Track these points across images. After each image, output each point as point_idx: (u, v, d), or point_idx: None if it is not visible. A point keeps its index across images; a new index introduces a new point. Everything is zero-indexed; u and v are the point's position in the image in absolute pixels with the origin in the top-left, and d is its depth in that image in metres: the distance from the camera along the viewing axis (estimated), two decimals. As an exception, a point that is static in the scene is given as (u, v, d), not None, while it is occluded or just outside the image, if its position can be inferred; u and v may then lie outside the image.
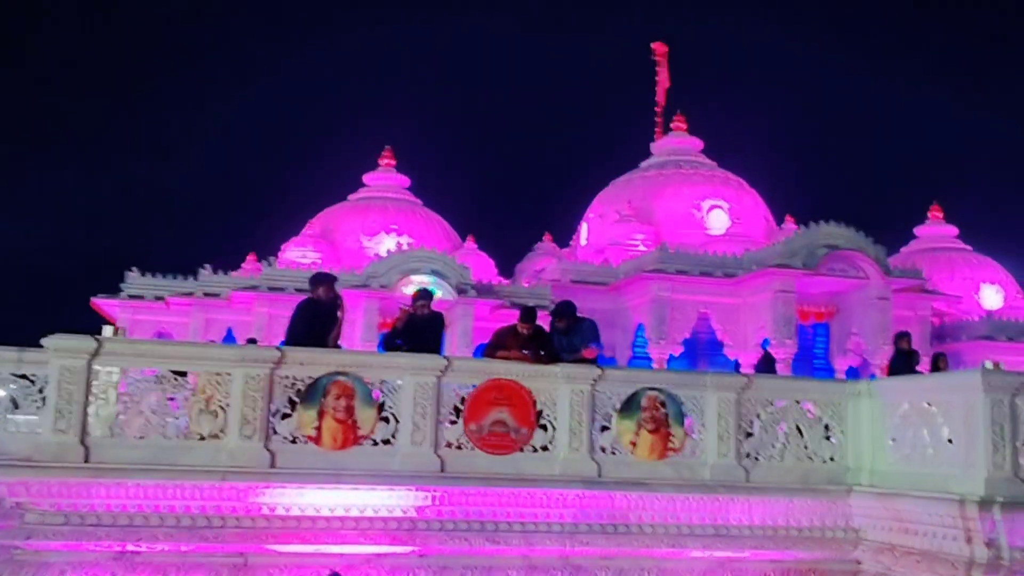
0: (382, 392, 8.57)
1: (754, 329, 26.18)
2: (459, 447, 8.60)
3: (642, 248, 29.74)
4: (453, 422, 8.65)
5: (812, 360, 26.61)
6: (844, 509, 9.03)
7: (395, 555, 8.24)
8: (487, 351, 9.13)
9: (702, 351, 27.05)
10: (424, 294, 9.44)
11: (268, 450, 8.19)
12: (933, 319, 27.26)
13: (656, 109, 36.59)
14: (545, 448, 8.77)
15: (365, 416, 8.50)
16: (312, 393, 8.43)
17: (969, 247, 31.75)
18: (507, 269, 33.66)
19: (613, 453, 8.90)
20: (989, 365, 8.27)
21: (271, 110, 56.96)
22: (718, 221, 31.81)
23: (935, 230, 32.48)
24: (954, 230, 32.28)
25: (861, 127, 54.40)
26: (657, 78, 36.78)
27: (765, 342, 25.08)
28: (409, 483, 8.31)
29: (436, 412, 8.59)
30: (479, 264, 31.08)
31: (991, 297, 29.92)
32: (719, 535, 8.80)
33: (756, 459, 9.13)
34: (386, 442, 8.50)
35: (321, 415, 8.42)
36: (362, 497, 8.21)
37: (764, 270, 25.72)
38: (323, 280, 9.15)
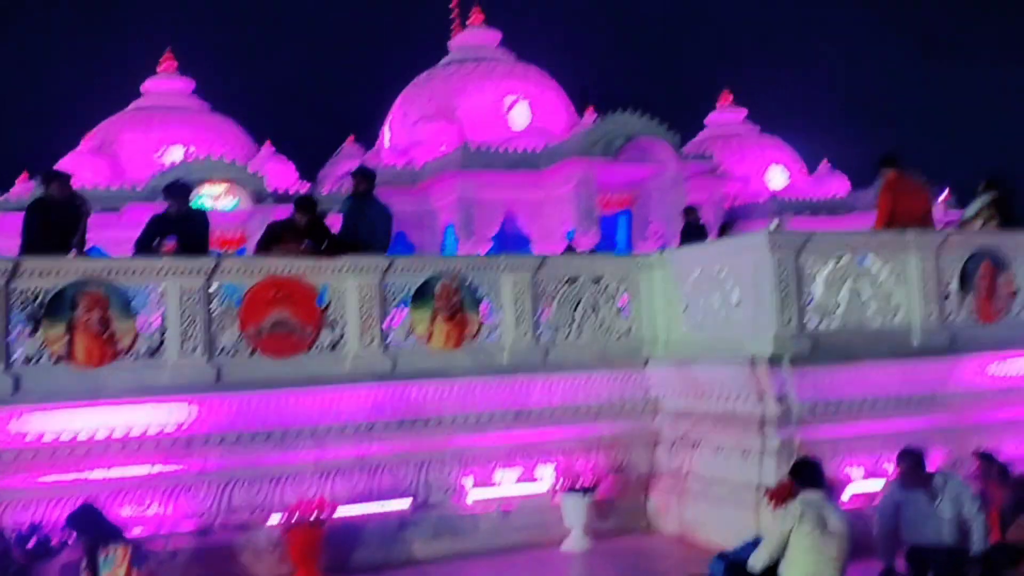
0: (142, 300, 7.65)
1: (559, 221, 26.36)
2: (237, 353, 7.86)
3: (446, 147, 29.13)
4: (228, 327, 7.87)
5: (614, 249, 27.15)
6: (642, 381, 9.01)
7: (171, 474, 7.49)
8: (259, 247, 8.33)
9: (510, 247, 26.98)
10: (173, 189, 8.33)
11: (9, 374, 7.16)
12: (725, 202, 28.38)
13: (452, 3, 35.51)
14: (334, 346, 8.18)
15: (124, 327, 7.58)
16: (58, 306, 7.41)
17: (757, 127, 33.08)
18: (311, 174, 32.21)
19: (407, 345, 8.43)
20: (774, 226, 8.30)
21: (39, 14, 51.31)
22: (520, 116, 31.51)
23: (726, 115, 33.59)
24: (743, 112, 33.50)
25: (654, 13, 55.06)
26: (451, -31, 35.61)
27: (570, 234, 25.30)
28: (181, 396, 7.52)
29: (207, 317, 7.77)
30: (279, 171, 29.49)
31: (778, 177, 31.42)
32: (520, 418, 8.58)
33: (554, 339, 8.91)
34: (152, 354, 7.64)
35: (72, 330, 7.44)
36: (127, 415, 7.36)
37: (565, 161, 25.79)
38: (55, 176, 7.94)
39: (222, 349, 7.81)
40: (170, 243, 7.74)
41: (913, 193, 8.75)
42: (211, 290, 7.79)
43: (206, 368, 7.68)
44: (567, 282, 9.06)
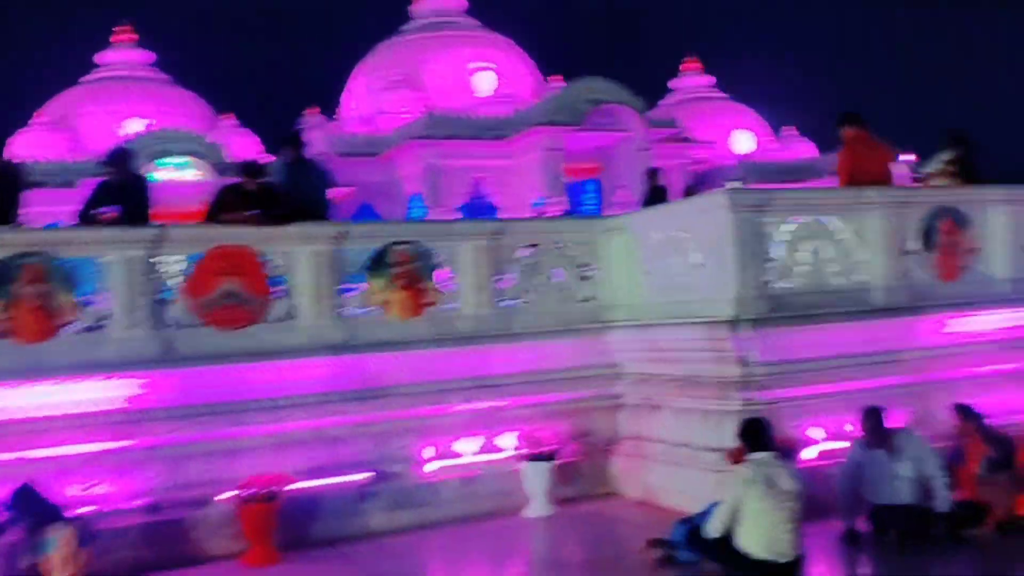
0: (85, 272, 7.39)
1: (527, 189, 26.16)
2: (185, 325, 7.63)
3: (410, 115, 28.75)
4: (176, 299, 7.63)
5: (583, 216, 26.99)
6: (604, 346, 8.87)
7: (120, 451, 7.27)
8: (208, 215, 8.06)
9: (478, 216, 26.80)
10: (113, 157, 8.00)
11: (-55, 352, 6.91)
12: (693, 167, 28.29)
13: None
14: (287, 317, 7.96)
15: (66, 301, 7.32)
16: (-3, 280, 7.15)
17: (725, 95, 32.95)
18: (275, 146, 31.65)
19: (364, 315, 8.23)
20: (734, 185, 8.16)
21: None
22: (486, 83, 31.17)
23: (692, 81, 33.45)
24: (711, 79, 33.36)
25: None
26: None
27: (538, 202, 25.12)
28: (128, 370, 7.29)
29: (153, 289, 7.53)
30: (241, 142, 29.10)
31: (744, 142, 31.37)
32: (481, 386, 8.42)
33: (514, 305, 8.75)
34: (96, 328, 7.40)
35: (13, 304, 7.17)
36: (72, 391, 7.12)
37: (532, 129, 25.59)
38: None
39: (171, 321, 7.59)
40: (110, 212, 7.48)
41: (873, 151, 8.62)
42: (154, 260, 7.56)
43: (153, 341, 7.45)
44: (528, 248, 8.90)
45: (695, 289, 8.19)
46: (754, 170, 27.96)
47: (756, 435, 5.91)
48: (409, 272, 8.43)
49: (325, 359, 7.90)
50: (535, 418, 8.53)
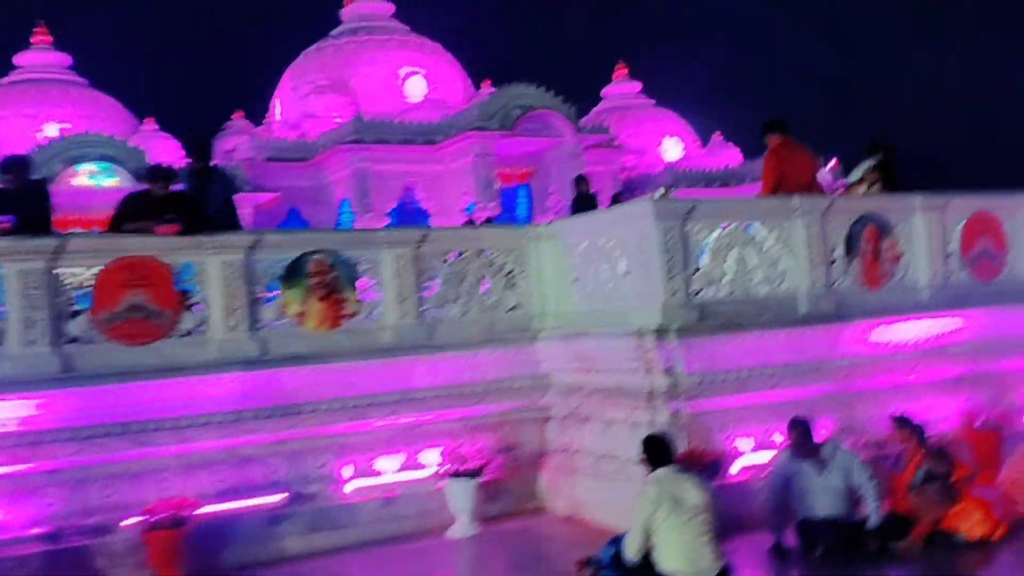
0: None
1: (458, 195, 25.94)
2: (88, 341, 7.19)
3: (340, 120, 28.28)
4: (77, 313, 7.20)
5: (515, 222, 26.85)
6: (531, 357, 8.65)
7: (17, 475, 6.82)
8: (112, 223, 7.64)
9: (409, 221, 26.48)
10: (9, 164, 7.53)
11: None
12: (622, 174, 28.39)
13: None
14: (197, 331, 7.58)
15: (-41, 316, 6.86)
16: None
17: (652, 100, 33.15)
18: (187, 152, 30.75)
19: (279, 328, 7.88)
20: (659, 193, 8.05)
21: None
22: (416, 88, 30.83)
23: (622, 88, 33.61)
24: (638, 85, 33.53)
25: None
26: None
27: (470, 207, 24.92)
28: (25, 390, 6.83)
29: (52, 303, 7.08)
30: (163, 147, 28.22)
31: (672, 149, 31.61)
32: (404, 400, 8.14)
33: (439, 316, 8.49)
34: (-8, 345, 6.94)
35: None
36: (-38, 413, 6.66)
37: (463, 134, 25.37)
38: None
39: (71, 337, 7.15)
40: (5, 222, 7.03)
41: (798, 158, 8.60)
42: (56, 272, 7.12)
43: (51, 359, 7.00)
44: (454, 256, 8.65)
45: (622, 298, 8.06)
46: (681, 177, 28.15)
47: (656, 451, 5.79)
48: (327, 282, 8.11)
49: (237, 374, 7.53)
50: (460, 433, 8.28)
